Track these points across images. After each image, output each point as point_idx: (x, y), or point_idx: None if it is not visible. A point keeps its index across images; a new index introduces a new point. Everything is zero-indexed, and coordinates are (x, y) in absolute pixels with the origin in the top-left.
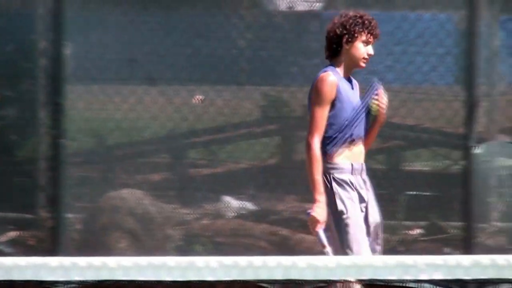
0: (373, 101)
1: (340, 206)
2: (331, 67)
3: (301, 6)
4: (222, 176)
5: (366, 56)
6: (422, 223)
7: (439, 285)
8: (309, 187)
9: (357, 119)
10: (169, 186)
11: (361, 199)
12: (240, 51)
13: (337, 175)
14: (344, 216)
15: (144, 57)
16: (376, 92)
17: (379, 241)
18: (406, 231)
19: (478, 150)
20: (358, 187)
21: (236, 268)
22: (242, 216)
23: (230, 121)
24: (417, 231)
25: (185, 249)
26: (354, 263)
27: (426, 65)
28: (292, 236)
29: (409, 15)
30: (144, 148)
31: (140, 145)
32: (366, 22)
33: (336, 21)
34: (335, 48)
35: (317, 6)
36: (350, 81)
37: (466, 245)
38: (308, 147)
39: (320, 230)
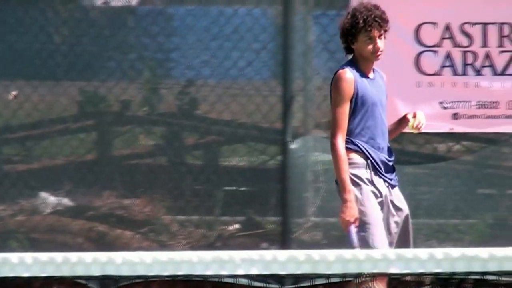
0: (414, 123)
1: None
2: (349, 63)
3: (117, 1)
4: (38, 172)
5: (374, 51)
6: (239, 218)
7: (255, 280)
8: (125, 183)
9: (375, 124)
10: None
11: (377, 194)
12: (56, 46)
13: (351, 170)
14: None
15: None
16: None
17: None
18: (224, 227)
19: (294, 145)
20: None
21: (52, 264)
22: (59, 212)
23: (46, 117)
24: (234, 227)
25: None
26: (171, 259)
27: (242, 60)
28: (109, 232)
29: (225, 10)
30: None
31: None
32: (360, 22)
33: (340, 23)
34: (347, 47)
35: (133, 1)
36: (372, 75)
37: (283, 240)
38: (333, 147)
39: (352, 229)
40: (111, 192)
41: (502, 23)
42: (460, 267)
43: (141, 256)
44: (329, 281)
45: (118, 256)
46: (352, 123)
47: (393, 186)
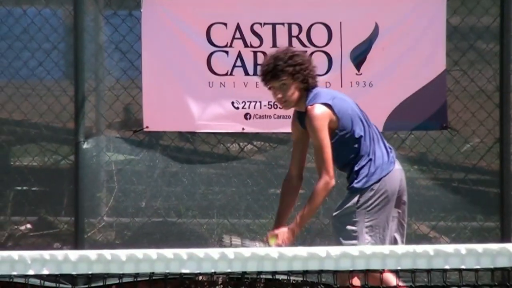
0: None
1: None
2: None
3: None
4: None
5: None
6: (31, 218)
7: (47, 281)
8: None
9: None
10: None
11: None
12: None
13: None
14: None
15: None
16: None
17: None
18: (15, 227)
19: (86, 145)
20: None
21: None
22: None
23: None
24: (26, 226)
25: None
26: None
27: (32, 60)
28: None
29: (14, 10)
30: None
31: None
32: None
33: None
34: None
35: None
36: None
37: (76, 240)
38: None
39: None
40: None
41: (291, 23)
42: (252, 267)
43: None
44: (122, 281)
45: None
46: None
47: None
